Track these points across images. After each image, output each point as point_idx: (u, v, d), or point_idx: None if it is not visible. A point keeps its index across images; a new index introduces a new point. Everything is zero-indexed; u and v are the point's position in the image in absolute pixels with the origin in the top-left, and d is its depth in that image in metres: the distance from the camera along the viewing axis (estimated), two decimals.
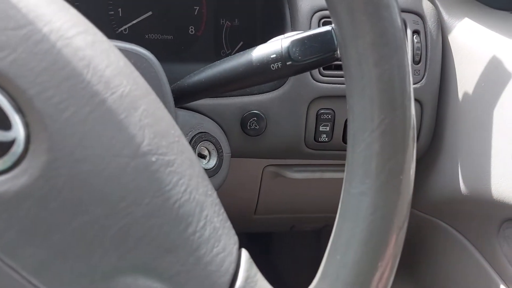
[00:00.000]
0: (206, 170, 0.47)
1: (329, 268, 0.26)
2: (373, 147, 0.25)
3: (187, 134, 0.46)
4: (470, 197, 0.51)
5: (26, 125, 0.22)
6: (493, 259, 0.51)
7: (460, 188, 0.52)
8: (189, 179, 0.26)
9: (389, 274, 0.25)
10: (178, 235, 0.25)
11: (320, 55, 0.35)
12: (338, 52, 0.33)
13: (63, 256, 0.22)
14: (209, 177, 0.48)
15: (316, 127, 0.52)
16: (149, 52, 0.37)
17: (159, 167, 0.25)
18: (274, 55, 0.36)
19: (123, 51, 0.35)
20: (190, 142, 0.46)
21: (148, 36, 0.57)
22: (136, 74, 0.28)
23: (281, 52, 0.35)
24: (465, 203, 0.53)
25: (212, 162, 0.47)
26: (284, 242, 0.90)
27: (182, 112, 0.46)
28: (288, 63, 0.36)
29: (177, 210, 0.25)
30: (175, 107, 0.40)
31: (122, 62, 0.27)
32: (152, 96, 0.28)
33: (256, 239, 0.87)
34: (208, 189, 0.28)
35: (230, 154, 0.48)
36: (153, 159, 0.25)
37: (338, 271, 0.25)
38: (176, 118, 0.45)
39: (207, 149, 0.47)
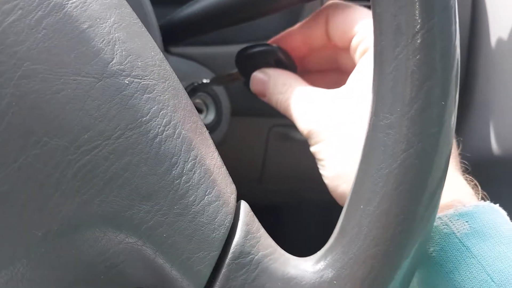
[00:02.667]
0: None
1: (349, 221, 0.21)
2: (406, 65, 0.19)
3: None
4: (504, 159, 0.46)
5: None
6: None
7: (492, 148, 0.47)
8: (173, 110, 0.21)
9: (428, 229, 0.20)
10: (159, 177, 0.19)
11: None
12: None
13: (6, 200, 0.17)
14: None
15: None
16: None
17: (134, 92, 0.20)
18: None
19: None
20: None
21: None
22: None
23: None
24: (498, 166, 0.48)
25: (210, 117, 0.41)
26: (293, 218, 0.85)
27: (173, 58, 0.40)
28: None
29: (158, 146, 0.20)
30: (166, 47, 0.34)
31: None
32: (127, 10, 0.22)
33: (262, 213, 0.82)
34: (198, 126, 0.22)
35: (230, 109, 0.43)
36: (126, 81, 0.20)
37: (360, 223, 0.20)
38: None
39: (204, 102, 0.41)
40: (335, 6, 0.31)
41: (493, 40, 0.47)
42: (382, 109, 0.20)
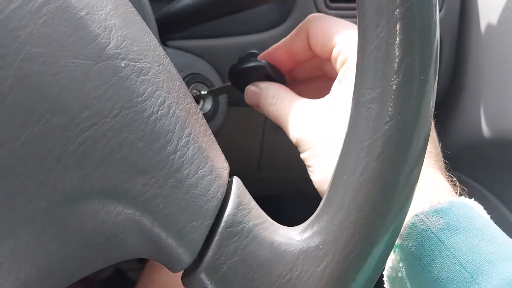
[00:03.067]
0: None
1: (335, 191, 0.22)
2: (387, 43, 0.21)
3: None
4: (494, 142, 0.47)
5: None
6: None
7: (483, 132, 0.48)
8: (167, 91, 0.22)
9: (408, 196, 0.21)
10: (155, 153, 0.21)
11: None
12: None
13: (11, 174, 0.19)
14: None
15: None
16: None
17: (129, 74, 0.21)
18: None
19: None
20: None
21: None
22: None
23: None
24: (488, 150, 0.49)
25: (207, 106, 0.43)
26: (292, 206, 0.86)
27: (171, 51, 0.42)
28: None
29: (153, 124, 0.21)
30: (162, 39, 0.36)
31: None
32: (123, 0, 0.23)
33: (261, 202, 0.83)
34: (192, 107, 0.24)
35: (226, 99, 0.44)
36: (122, 64, 0.21)
37: (344, 192, 0.21)
38: None
39: (199, 92, 0.43)
40: (314, 20, 0.33)
41: (482, 25, 0.48)
42: (364, 85, 0.21)
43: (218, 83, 0.44)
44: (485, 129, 0.47)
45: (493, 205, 0.51)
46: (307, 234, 0.22)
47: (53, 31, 0.20)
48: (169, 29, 0.35)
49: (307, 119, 0.31)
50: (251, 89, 0.34)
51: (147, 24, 0.32)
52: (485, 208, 0.28)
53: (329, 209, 0.22)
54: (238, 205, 0.22)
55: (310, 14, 0.46)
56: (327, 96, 0.31)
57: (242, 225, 0.22)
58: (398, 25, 0.20)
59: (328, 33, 0.32)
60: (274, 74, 0.33)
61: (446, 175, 0.31)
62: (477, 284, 0.24)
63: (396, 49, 0.20)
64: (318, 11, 0.46)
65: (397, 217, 0.21)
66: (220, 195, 0.22)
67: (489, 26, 0.47)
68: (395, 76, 0.20)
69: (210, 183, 0.22)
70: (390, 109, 0.21)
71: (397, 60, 0.20)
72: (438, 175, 0.29)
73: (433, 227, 0.26)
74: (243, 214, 0.22)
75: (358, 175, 0.21)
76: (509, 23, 0.44)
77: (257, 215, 0.23)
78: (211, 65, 0.45)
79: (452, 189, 0.29)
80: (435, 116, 0.59)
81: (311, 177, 0.31)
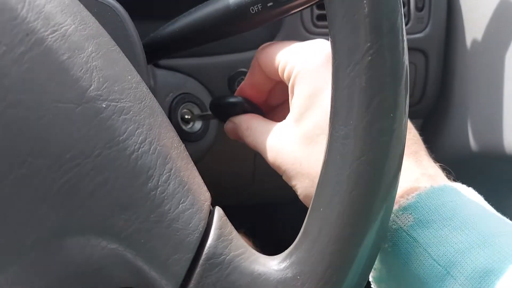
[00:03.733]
0: (191, 134, 0.44)
1: (311, 223, 0.23)
2: (357, 82, 0.21)
3: (167, 95, 0.42)
4: (481, 154, 0.48)
5: None
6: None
7: (470, 145, 0.48)
8: (148, 128, 0.23)
9: (381, 229, 0.22)
10: (136, 189, 0.22)
11: None
12: None
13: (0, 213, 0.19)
14: (195, 141, 0.45)
15: None
16: (115, 1, 0.33)
17: (111, 114, 0.22)
18: None
19: None
20: (171, 104, 0.42)
21: None
22: (85, 13, 0.25)
23: None
24: (476, 162, 0.49)
25: (198, 125, 0.44)
26: (287, 215, 0.87)
27: (161, 72, 0.43)
28: (269, 5, 0.32)
29: (134, 162, 0.22)
30: (150, 64, 0.36)
31: (68, 0, 0.24)
32: (104, 38, 0.24)
33: (257, 212, 0.84)
34: (174, 141, 0.25)
35: None
36: (103, 105, 0.22)
37: (320, 224, 0.22)
38: (154, 77, 0.42)
39: (191, 111, 0.43)
40: (261, 49, 0.35)
41: (468, 40, 0.48)
42: (337, 121, 0.22)
43: (208, 101, 0.45)
44: (472, 142, 0.48)
45: None
46: (286, 263, 0.23)
47: (36, 76, 0.21)
48: (156, 54, 0.36)
49: (277, 142, 0.32)
50: (228, 126, 0.36)
51: (133, 52, 0.34)
52: None
53: (307, 240, 0.23)
54: (219, 237, 0.23)
55: (297, 32, 0.47)
56: (288, 115, 0.32)
57: (223, 256, 0.23)
58: (367, 65, 0.21)
59: (273, 55, 0.33)
60: (249, 108, 0.35)
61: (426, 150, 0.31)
62: (452, 276, 0.24)
63: (366, 88, 0.21)
64: (305, 29, 0.47)
65: (371, 248, 0.22)
66: (201, 227, 0.23)
67: (474, 42, 0.47)
68: (365, 114, 0.21)
69: (191, 216, 0.23)
70: (362, 146, 0.22)
71: (367, 99, 0.21)
72: (407, 162, 0.29)
73: (404, 225, 0.26)
74: (224, 246, 0.23)
75: (333, 208, 0.22)
76: (492, 39, 0.45)
77: (238, 245, 0.23)
78: (201, 84, 0.46)
79: (421, 173, 0.28)
80: (424, 127, 0.60)
81: (297, 194, 0.32)
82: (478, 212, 0.26)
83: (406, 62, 0.22)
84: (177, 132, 0.44)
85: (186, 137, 0.44)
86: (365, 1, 0.21)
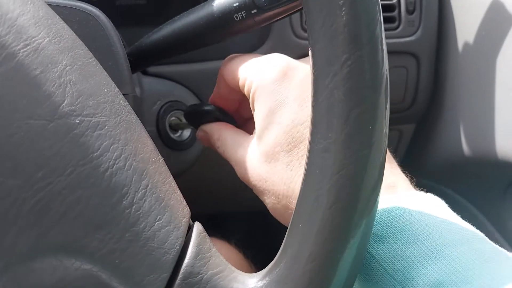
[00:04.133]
0: (180, 142, 0.43)
1: (291, 239, 0.22)
2: (336, 94, 0.21)
3: (155, 103, 0.42)
4: (474, 159, 0.47)
5: None
6: (498, 223, 0.47)
7: (463, 150, 0.48)
8: (124, 143, 0.23)
9: (362, 243, 0.22)
10: (111, 208, 0.21)
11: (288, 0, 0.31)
12: None
13: None
14: (184, 150, 0.44)
15: None
16: (98, 9, 0.33)
17: (84, 130, 0.21)
18: (237, 3, 0.32)
19: (64, 8, 0.31)
20: (159, 112, 0.42)
21: (119, 2, 0.52)
22: (61, 25, 0.24)
23: None
24: (468, 166, 0.49)
25: (186, 134, 0.43)
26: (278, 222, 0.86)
27: (148, 79, 0.42)
28: (253, 12, 0.32)
29: (109, 179, 0.21)
30: (135, 72, 0.36)
31: (43, 11, 0.23)
32: (80, 51, 0.24)
33: (250, 219, 0.84)
34: (152, 155, 0.24)
35: None
36: (77, 121, 0.21)
37: (300, 240, 0.21)
38: (141, 85, 0.41)
39: (179, 119, 0.43)
40: (224, 62, 0.35)
41: (460, 43, 0.48)
42: (317, 134, 0.22)
43: None
44: (465, 147, 0.47)
45: (475, 218, 0.52)
46: (265, 281, 0.22)
47: (6, 93, 0.20)
48: (141, 63, 0.36)
49: (245, 158, 0.31)
50: (199, 134, 0.36)
51: (116, 61, 0.33)
52: (466, 219, 0.27)
53: (286, 257, 0.22)
54: (197, 255, 0.22)
55: (286, 37, 0.47)
56: (254, 130, 0.31)
57: (200, 275, 0.22)
58: (345, 76, 0.21)
59: (235, 69, 0.33)
60: (222, 116, 0.35)
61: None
62: None
63: (344, 100, 0.21)
64: (294, 33, 0.46)
65: (352, 264, 0.21)
66: (178, 246, 0.22)
67: (466, 45, 0.47)
68: (344, 127, 0.21)
69: (167, 234, 0.22)
70: (341, 159, 0.21)
71: (345, 111, 0.21)
72: None
73: None
74: (201, 264, 0.22)
75: (312, 224, 0.21)
76: (485, 44, 0.44)
77: (216, 263, 0.23)
78: (190, 91, 0.46)
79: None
80: (416, 132, 0.59)
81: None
82: (434, 221, 0.26)
83: (386, 72, 0.21)
84: (166, 140, 0.44)
85: (175, 146, 0.43)
86: (343, 11, 0.20)
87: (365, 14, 0.21)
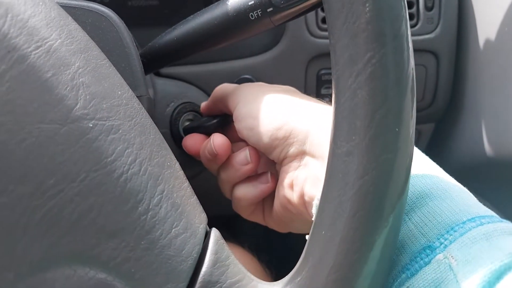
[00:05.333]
0: None
1: (313, 247, 0.21)
2: (359, 95, 0.20)
3: (168, 105, 0.41)
4: (495, 161, 0.45)
5: None
6: None
7: (484, 151, 0.46)
8: (139, 148, 0.22)
9: (385, 255, 0.20)
10: (125, 215, 0.20)
11: None
12: None
13: None
14: None
15: (318, 90, 0.47)
16: (110, 10, 0.32)
17: (98, 135, 0.21)
18: (253, 2, 0.31)
19: (76, 9, 0.30)
20: (172, 114, 0.41)
21: (131, 3, 0.52)
22: (73, 27, 0.23)
23: None
24: (490, 168, 0.47)
25: None
26: None
27: (162, 81, 0.41)
28: (269, 10, 0.31)
29: (123, 185, 0.21)
30: (148, 73, 0.35)
31: (55, 12, 0.23)
32: (93, 52, 0.23)
33: None
34: (167, 160, 0.23)
35: None
36: (90, 124, 0.21)
37: (322, 249, 0.20)
38: (153, 86, 0.41)
39: (193, 121, 0.42)
40: (215, 89, 0.39)
41: (481, 40, 0.46)
42: (339, 137, 0.21)
43: None
44: (487, 147, 0.46)
45: None
46: None
47: (17, 97, 0.19)
48: (155, 64, 0.35)
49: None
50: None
51: (130, 63, 0.32)
52: None
53: (308, 265, 0.21)
54: (215, 263, 0.22)
55: (301, 36, 0.46)
56: None
57: (219, 284, 0.21)
58: (369, 76, 0.19)
59: (223, 91, 0.37)
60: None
61: None
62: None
63: (368, 101, 0.20)
64: (310, 32, 0.45)
65: (375, 274, 0.20)
66: (195, 253, 0.21)
67: (487, 42, 0.45)
68: (369, 129, 0.20)
69: (184, 242, 0.21)
70: (365, 164, 0.20)
71: (369, 113, 0.20)
72: None
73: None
74: (220, 272, 0.21)
75: (335, 232, 0.20)
76: (507, 39, 0.43)
77: (235, 272, 0.22)
78: (204, 92, 0.45)
79: None
80: (435, 131, 0.58)
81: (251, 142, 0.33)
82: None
83: (412, 71, 0.20)
84: (179, 143, 0.43)
85: None
86: (367, 7, 0.19)
87: (389, 10, 0.19)
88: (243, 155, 0.34)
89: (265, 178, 0.35)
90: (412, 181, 0.25)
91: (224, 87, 0.38)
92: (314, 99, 0.34)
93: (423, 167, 0.27)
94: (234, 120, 0.34)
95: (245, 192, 0.35)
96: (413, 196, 0.25)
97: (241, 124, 0.33)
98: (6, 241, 0.19)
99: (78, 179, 0.20)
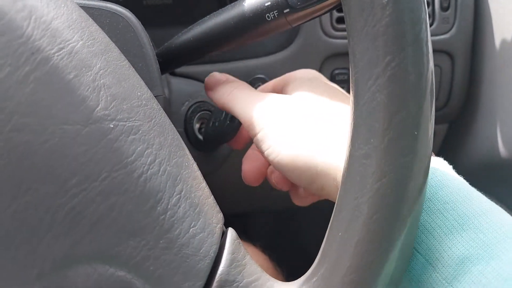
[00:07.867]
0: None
1: (329, 248, 0.21)
2: (378, 97, 0.20)
3: (183, 104, 0.41)
4: (510, 162, 0.45)
5: None
6: None
7: (499, 152, 0.46)
8: (158, 148, 0.22)
9: (402, 257, 0.21)
10: (145, 214, 0.21)
11: None
12: None
13: (2, 243, 0.19)
14: (212, 150, 0.44)
15: None
16: (127, 10, 0.32)
17: (118, 135, 0.21)
18: (269, 3, 0.31)
19: (94, 9, 0.31)
20: (187, 113, 0.42)
21: (146, 2, 0.52)
22: (94, 28, 0.24)
23: None
24: (505, 169, 0.47)
25: None
26: (308, 220, 0.85)
27: (176, 80, 0.42)
28: (285, 11, 0.31)
29: (143, 185, 0.21)
30: (164, 73, 0.36)
31: (76, 14, 0.23)
32: (113, 54, 0.23)
33: (277, 218, 0.83)
34: (185, 160, 0.24)
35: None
36: (111, 125, 0.21)
37: (339, 251, 0.21)
38: (168, 86, 0.41)
39: (208, 120, 0.42)
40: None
41: (497, 41, 0.46)
42: (357, 139, 0.21)
43: None
44: (502, 149, 0.45)
45: None
46: None
47: (41, 98, 0.20)
48: (171, 64, 0.35)
49: (263, 105, 0.32)
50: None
51: (147, 63, 0.33)
52: None
53: (324, 266, 0.21)
54: (231, 263, 0.22)
55: (316, 35, 0.46)
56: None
57: (236, 283, 0.21)
58: (389, 79, 0.20)
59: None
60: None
61: None
62: (430, 264, 0.23)
63: (387, 104, 0.20)
64: (324, 32, 0.45)
65: (392, 276, 0.20)
66: (213, 253, 0.22)
67: (503, 42, 0.45)
68: (387, 132, 0.20)
69: (202, 241, 0.22)
70: (383, 166, 0.20)
71: (388, 116, 0.20)
72: None
73: None
74: (236, 272, 0.22)
75: (352, 234, 0.20)
76: None
77: (252, 271, 0.22)
78: None
79: None
80: (450, 132, 0.57)
81: (269, 158, 0.31)
82: (459, 189, 0.24)
83: (432, 75, 0.20)
84: (194, 142, 0.43)
85: (203, 147, 0.43)
86: (387, 10, 0.19)
87: (410, 13, 0.19)
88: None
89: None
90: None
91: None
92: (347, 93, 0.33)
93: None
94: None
95: None
96: (452, 262, 0.22)
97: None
98: (30, 238, 0.19)
99: (99, 179, 0.20)
